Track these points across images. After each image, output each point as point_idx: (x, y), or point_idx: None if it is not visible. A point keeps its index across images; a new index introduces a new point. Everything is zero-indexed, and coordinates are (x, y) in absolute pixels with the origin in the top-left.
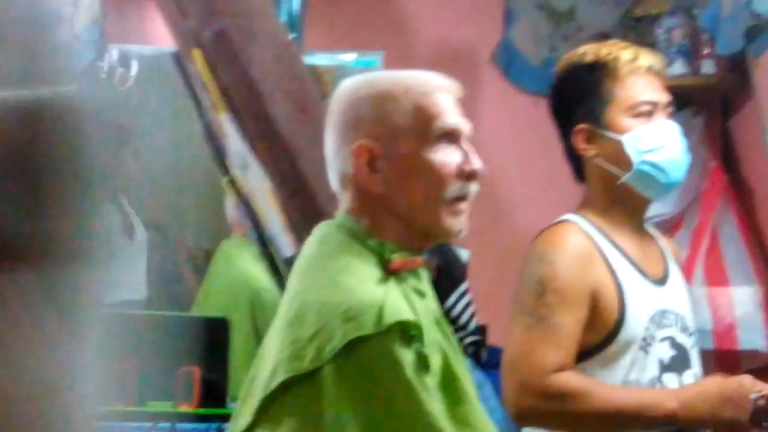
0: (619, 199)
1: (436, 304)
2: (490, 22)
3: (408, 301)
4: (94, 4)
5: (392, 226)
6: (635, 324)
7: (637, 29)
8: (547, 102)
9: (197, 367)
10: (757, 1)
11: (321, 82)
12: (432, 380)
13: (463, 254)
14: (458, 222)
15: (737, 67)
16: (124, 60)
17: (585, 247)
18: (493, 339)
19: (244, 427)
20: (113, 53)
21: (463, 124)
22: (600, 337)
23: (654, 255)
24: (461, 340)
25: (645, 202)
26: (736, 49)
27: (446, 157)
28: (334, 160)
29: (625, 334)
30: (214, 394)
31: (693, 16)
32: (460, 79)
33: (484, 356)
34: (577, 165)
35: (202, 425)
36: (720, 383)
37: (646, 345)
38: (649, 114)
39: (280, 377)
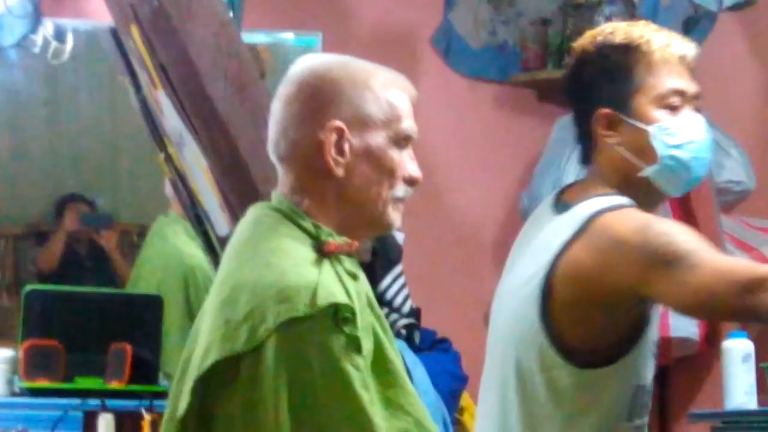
0: (632, 191)
1: (368, 286)
2: (430, 5)
3: (341, 283)
4: None
5: (336, 211)
6: (653, 323)
7: (577, 16)
8: (564, 79)
9: (129, 344)
10: None
11: (259, 61)
12: (364, 363)
13: (399, 237)
14: (398, 218)
15: None
16: (60, 34)
17: None
18: (426, 322)
19: (183, 411)
20: (48, 27)
21: (417, 133)
22: (628, 334)
23: None
24: (395, 322)
25: (659, 198)
26: None
27: (401, 158)
28: (291, 130)
29: (648, 331)
30: (146, 371)
31: (633, 5)
32: (399, 62)
33: (417, 339)
34: (587, 148)
35: (133, 402)
36: None
37: (654, 347)
38: (677, 106)
39: (213, 357)
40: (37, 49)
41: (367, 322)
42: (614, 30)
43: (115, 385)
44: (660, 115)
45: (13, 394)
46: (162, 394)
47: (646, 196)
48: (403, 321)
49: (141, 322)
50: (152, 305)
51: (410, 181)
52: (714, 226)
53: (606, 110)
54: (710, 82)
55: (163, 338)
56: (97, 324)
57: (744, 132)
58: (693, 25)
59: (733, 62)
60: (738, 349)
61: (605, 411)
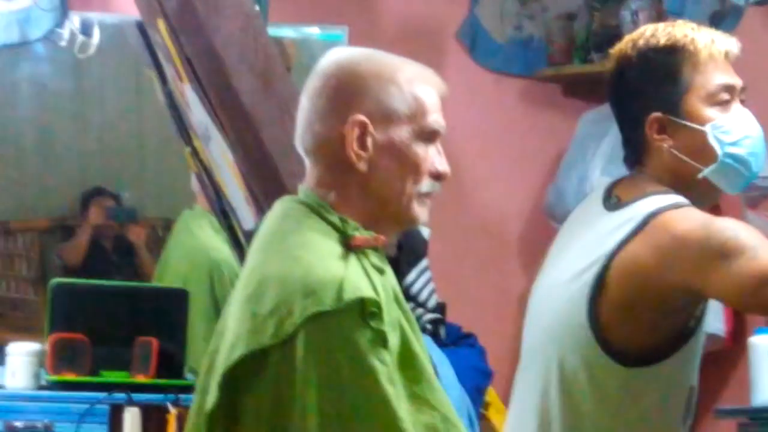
0: (687, 192)
1: (395, 281)
2: None
3: (368, 277)
4: None
5: (361, 206)
6: (704, 323)
7: (603, 10)
8: (608, 87)
9: (155, 338)
10: None
11: (285, 55)
12: (390, 357)
13: (424, 232)
14: (424, 213)
15: None
16: (86, 28)
17: None
18: (452, 317)
19: (212, 405)
20: (75, 21)
21: (444, 127)
22: (681, 330)
23: None
24: (420, 317)
25: (714, 198)
26: None
27: (427, 153)
28: (317, 124)
29: (700, 330)
30: (172, 365)
31: None
32: (425, 56)
33: (443, 334)
34: (637, 152)
35: (159, 396)
36: None
37: (701, 347)
38: (727, 102)
39: (240, 351)
40: (64, 43)
41: (394, 316)
42: (655, 32)
43: (141, 378)
44: (712, 113)
45: (40, 387)
46: (188, 388)
47: (701, 196)
48: (429, 316)
49: (167, 316)
50: (178, 299)
51: (437, 176)
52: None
53: (657, 114)
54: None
55: (189, 332)
56: (123, 318)
57: None
58: (720, 20)
59: (760, 57)
60: (765, 344)
61: (654, 411)
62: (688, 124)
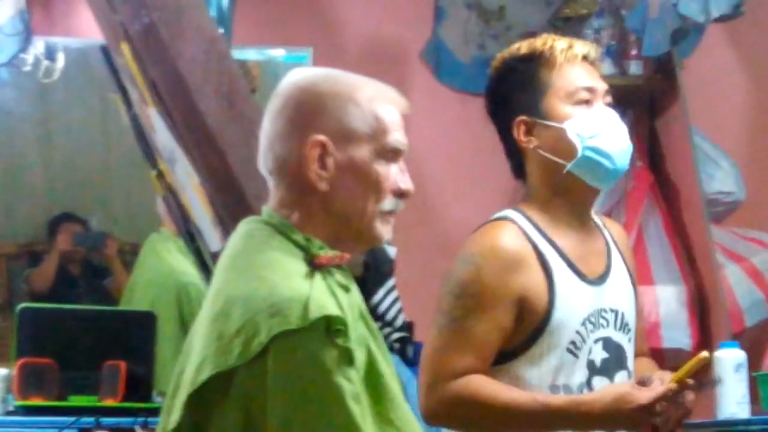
0: (561, 191)
1: (361, 299)
2: (420, 19)
3: (333, 296)
4: None
5: (324, 225)
6: (562, 327)
7: (565, 29)
8: (484, 101)
9: (123, 362)
10: (684, 3)
11: (250, 77)
12: (356, 375)
13: (391, 251)
14: (388, 231)
15: (664, 68)
16: (51, 52)
17: (517, 249)
18: (419, 335)
19: (174, 425)
20: (39, 45)
21: (407, 145)
22: (524, 337)
23: (596, 250)
24: (388, 336)
25: (589, 193)
26: (662, 50)
27: (389, 171)
28: (277, 145)
29: (548, 336)
30: (140, 388)
31: (621, 17)
32: (389, 76)
33: (410, 353)
34: (517, 161)
35: (128, 419)
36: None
37: (575, 348)
38: (588, 101)
39: (207, 372)
40: (28, 68)
41: (360, 334)
42: (519, 45)
43: (109, 402)
44: (571, 110)
45: (8, 412)
46: (156, 411)
47: (578, 194)
48: (396, 335)
49: (134, 340)
50: (146, 322)
51: (400, 194)
52: (705, 237)
53: (522, 117)
54: (699, 93)
55: (157, 355)
56: (91, 341)
57: (734, 143)
58: (681, 37)
59: (722, 73)
60: (730, 358)
61: None
62: (549, 123)
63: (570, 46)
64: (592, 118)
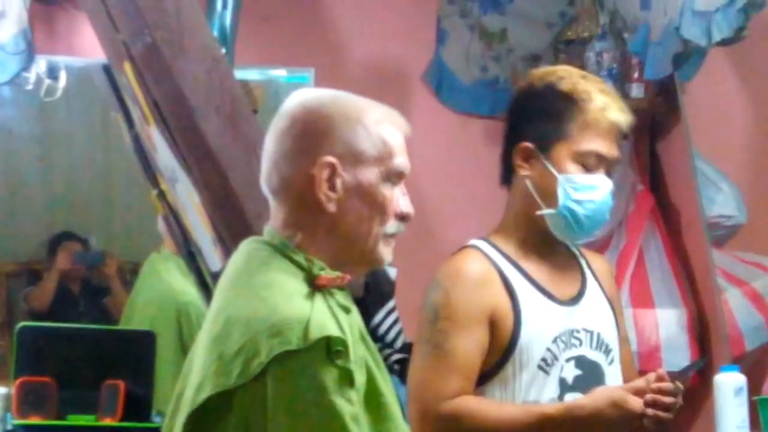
0: (534, 223)
1: (361, 320)
2: (422, 41)
3: (334, 316)
4: (22, 15)
5: (327, 246)
6: (531, 345)
7: (567, 52)
8: (510, 100)
9: (122, 381)
10: (686, 27)
11: (252, 97)
12: (356, 396)
13: (391, 272)
14: (389, 253)
15: (666, 92)
16: (53, 71)
17: (481, 272)
18: None
19: None
20: (41, 64)
21: (409, 169)
22: (496, 358)
23: (568, 275)
24: (388, 357)
25: (554, 237)
26: (664, 73)
27: (393, 194)
28: (283, 165)
29: (519, 354)
30: (139, 408)
31: (623, 41)
32: (391, 98)
33: None
34: (508, 173)
35: None
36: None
37: (546, 365)
38: (593, 166)
39: (206, 392)
40: (30, 87)
41: (360, 355)
42: (566, 76)
43: (107, 422)
44: (573, 168)
45: (6, 431)
46: (155, 431)
47: (543, 233)
48: (396, 356)
49: (134, 359)
50: (145, 342)
51: (402, 217)
52: (705, 261)
53: (529, 144)
54: (701, 116)
55: (156, 375)
56: (90, 361)
57: (735, 166)
58: (683, 61)
59: (724, 97)
60: (730, 382)
61: None
62: (547, 164)
63: (605, 108)
64: (585, 183)
